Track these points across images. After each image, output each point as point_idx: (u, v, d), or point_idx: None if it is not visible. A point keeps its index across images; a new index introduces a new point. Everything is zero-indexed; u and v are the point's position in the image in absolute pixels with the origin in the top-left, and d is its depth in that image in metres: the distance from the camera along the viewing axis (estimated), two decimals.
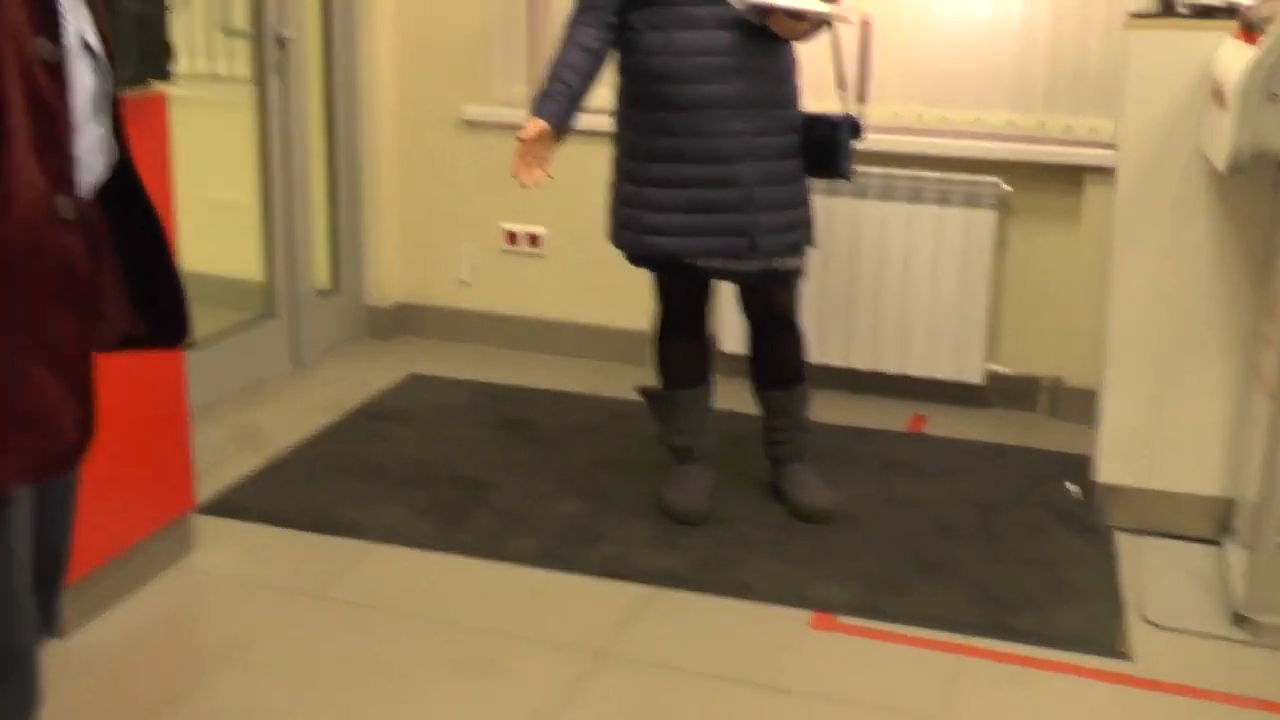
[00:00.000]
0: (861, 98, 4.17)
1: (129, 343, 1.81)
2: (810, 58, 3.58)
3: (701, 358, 3.69)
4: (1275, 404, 3.05)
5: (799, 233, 3.47)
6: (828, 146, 3.46)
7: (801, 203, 3.48)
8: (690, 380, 3.67)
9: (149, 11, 2.95)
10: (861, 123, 3.50)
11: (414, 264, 5.22)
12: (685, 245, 3.40)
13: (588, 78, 3.37)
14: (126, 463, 3.02)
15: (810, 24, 3.32)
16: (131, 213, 1.76)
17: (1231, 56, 3.11)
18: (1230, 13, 3.38)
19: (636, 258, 3.54)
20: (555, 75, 3.36)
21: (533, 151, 3.31)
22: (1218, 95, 3.11)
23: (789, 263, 3.49)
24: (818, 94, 3.63)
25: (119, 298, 1.75)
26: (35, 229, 1.53)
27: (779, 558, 3.41)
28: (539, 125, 3.31)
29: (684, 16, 3.30)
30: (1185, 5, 3.53)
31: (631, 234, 3.46)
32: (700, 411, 3.69)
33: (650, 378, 3.80)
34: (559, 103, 3.34)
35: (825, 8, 3.28)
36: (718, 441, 3.79)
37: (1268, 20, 2.98)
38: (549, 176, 3.34)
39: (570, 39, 3.38)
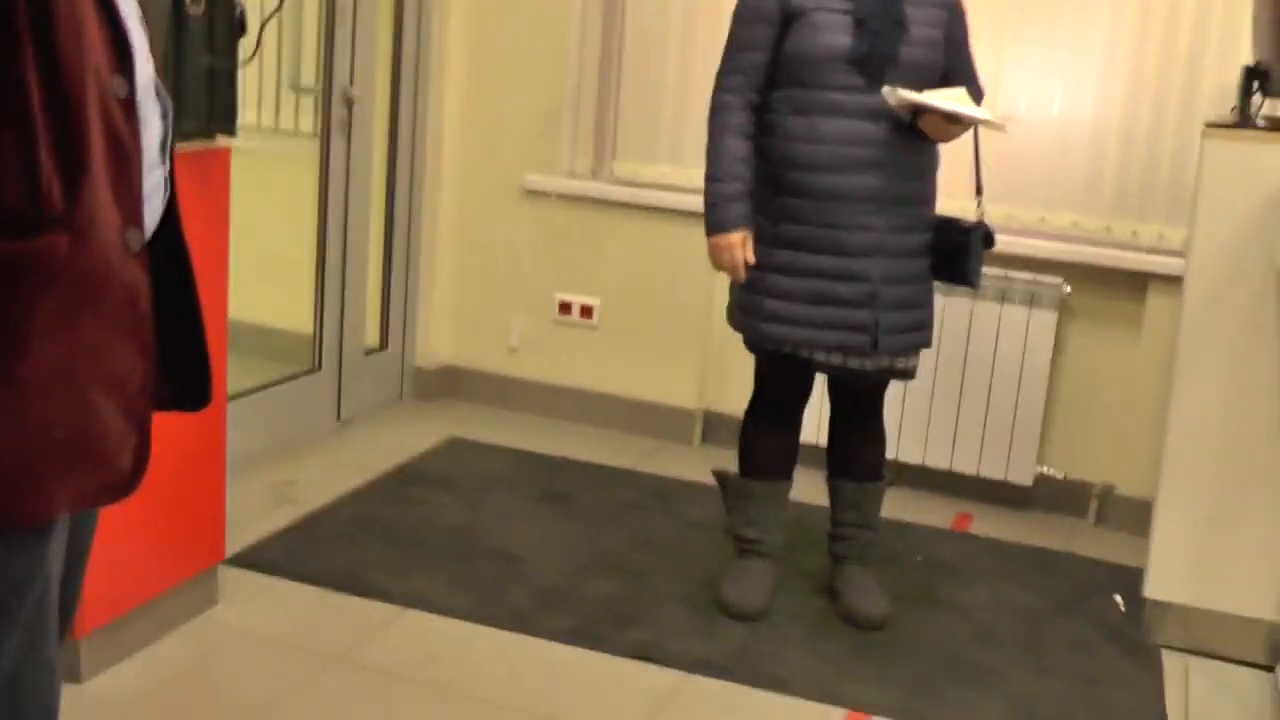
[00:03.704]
0: None
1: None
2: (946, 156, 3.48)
3: (788, 452, 3.55)
4: None
5: (920, 333, 3.38)
6: (959, 253, 3.36)
7: (926, 303, 3.38)
8: (772, 473, 3.53)
9: (219, 66, 2.96)
10: (994, 231, 3.40)
11: (464, 328, 5.20)
12: (803, 336, 3.28)
13: (751, 164, 3.29)
14: (159, 511, 2.98)
15: (961, 127, 3.24)
16: (167, 267, 1.73)
17: None
18: None
19: (750, 343, 3.43)
20: (730, 172, 3.26)
21: (740, 255, 3.27)
22: None
23: (907, 363, 3.40)
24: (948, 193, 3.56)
25: None
26: (108, 259, 1.55)
27: (816, 655, 3.33)
28: (741, 235, 3.26)
29: (830, 103, 3.20)
30: (1264, 118, 3.48)
31: (749, 319, 3.36)
32: (776, 506, 3.55)
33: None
34: (745, 204, 3.27)
35: (982, 113, 3.18)
36: None
37: None
38: (753, 261, 3.29)
39: (727, 125, 3.28)
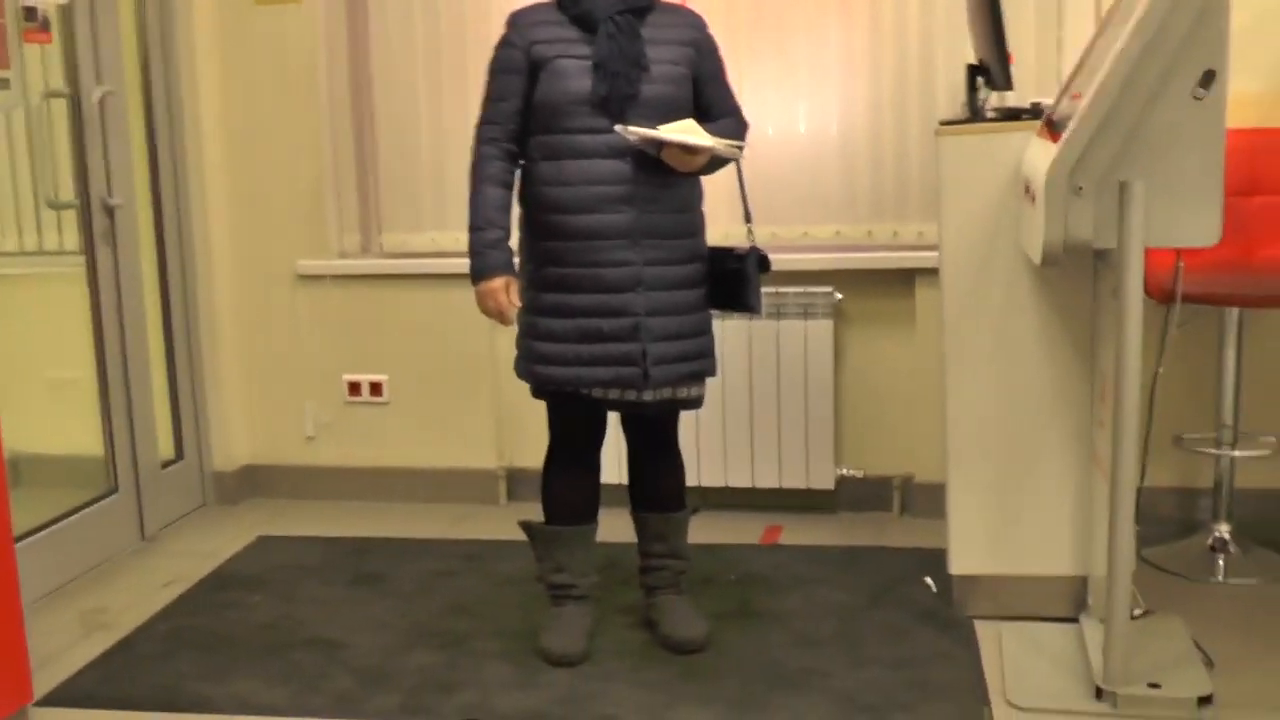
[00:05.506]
0: None
1: None
2: (717, 188, 3.57)
3: (590, 494, 3.60)
4: (1112, 482, 3.10)
5: (696, 363, 3.42)
6: (736, 280, 3.44)
7: (699, 333, 3.43)
8: (576, 516, 3.58)
9: None
10: (767, 255, 3.47)
11: (258, 424, 5.14)
12: (575, 374, 3.34)
13: (510, 210, 3.37)
14: None
15: (705, 157, 3.29)
16: None
17: (1037, 155, 3.20)
18: (1034, 113, 3.50)
19: (533, 389, 3.48)
20: (488, 220, 3.33)
21: (504, 299, 3.32)
22: (1028, 192, 3.20)
23: (689, 392, 3.45)
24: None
25: None
26: None
27: (640, 686, 3.36)
28: (504, 280, 3.32)
29: (577, 146, 3.28)
30: (992, 110, 3.65)
31: (525, 364, 3.42)
32: (584, 549, 3.60)
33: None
34: (504, 251, 3.34)
35: (706, 141, 3.24)
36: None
37: (1068, 118, 3.09)
38: (517, 305, 3.36)
39: (485, 175, 3.35)
